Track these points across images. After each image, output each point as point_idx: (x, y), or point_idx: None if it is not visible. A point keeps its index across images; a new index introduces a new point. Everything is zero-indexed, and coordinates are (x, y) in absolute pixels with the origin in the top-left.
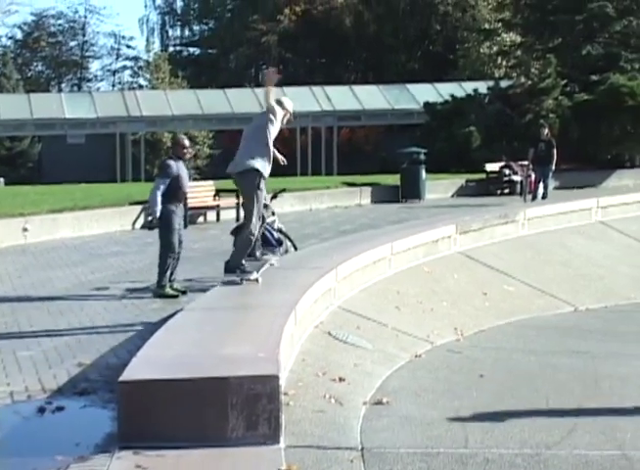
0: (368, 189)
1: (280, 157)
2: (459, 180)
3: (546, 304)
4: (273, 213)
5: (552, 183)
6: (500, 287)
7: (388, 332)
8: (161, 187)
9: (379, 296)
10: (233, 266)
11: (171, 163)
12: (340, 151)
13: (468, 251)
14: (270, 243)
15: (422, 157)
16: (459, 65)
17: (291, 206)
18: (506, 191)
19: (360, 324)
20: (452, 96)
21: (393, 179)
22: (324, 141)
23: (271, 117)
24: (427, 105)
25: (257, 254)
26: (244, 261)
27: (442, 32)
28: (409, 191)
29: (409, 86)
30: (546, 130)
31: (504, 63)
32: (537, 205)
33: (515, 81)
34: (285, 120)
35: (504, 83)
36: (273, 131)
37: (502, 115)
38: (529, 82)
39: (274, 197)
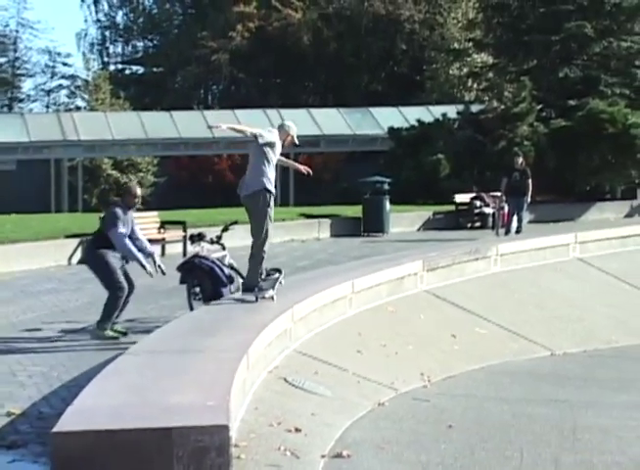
0: (327, 221)
1: (302, 168)
2: (426, 212)
3: (520, 347)
4: (224, 248)
5: (527, 216)
6: (470, 329)
7: (349, 378)
8: (121, 234)
9: (339, 338)
10: (251, 285)
11: (119, 212)
12: (296, 179)
13: (436, 289)
14: (220, 280)
15: (386, 187)
16: (426, 87)
17: (242, 239)
18: (477, 224)
19: (318, 369)
20: (419, 121)
21: (355, 211)
22: (279, 169)
23: (260, 141)
24: (391, 130)
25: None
26: (260, 280)
27: (408, 52)
28: (372, 224)
29: (372, 110)
30: (520, 159)
31: (475, 85)
32: (511, 240)
33: (486, 105)
34: (286, 143)
35: (475, 108)
36: (271, 154)
37: (473, 141)
38: (502, 107)
39: (225, 230)
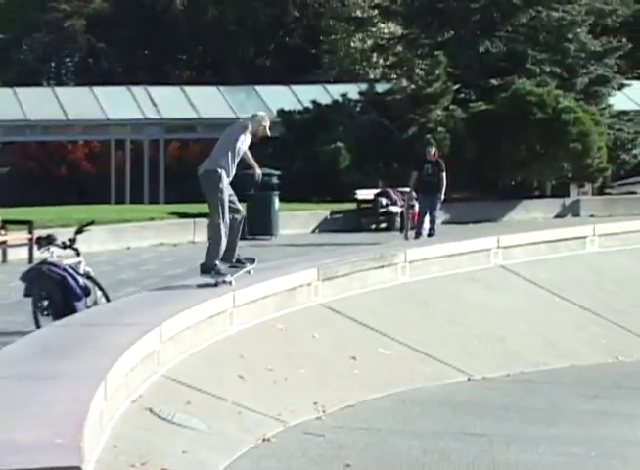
0: (204, 222)
1: (258, 171)
2: (323, 211)
3: (432, 371)
4: (78, 254)
5: (441, 216)
6: (374, 349)
7: (228, 408)
8: None
9: (216, 361)
10: (207, 268)
11: None
12: (168, 171)
13: (333, 302)
14: (73, 292)
15: (274, 180)
16: (323, 62)
17: (101, 243)
18: (382, 226)
19: (192, 398)
20: (314, 102)
21: None
22: (147, 158)
23: (240, 128)
24: (281, 113)
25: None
26: (218, 263)
27: (302, 20)
28: (258, 225)
29: (259, 88)
30: (433, 149)
31: (381, 61)
32: (422, 244)
33: (394, 85)
34: (259, 135)
35: (381, 87)
36: (238, 143)
37: (378, 127)
38: (413, 86)
39: (80, 231)
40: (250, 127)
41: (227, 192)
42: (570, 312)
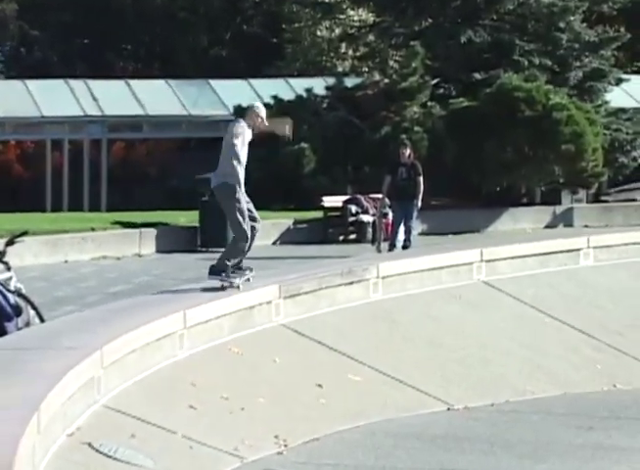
0: (152, 232)
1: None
2: (285, 221)
3: (407, 400)
4: (9, 268)
5: (417, 226)
6: (342, 376)
7: (179, 442)
8: None
9: (165, 389)
10: (218, 269)
11: None
12: (111, 175)
13: (296, 323)
14: (3, 311)
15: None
16: (286, 53)
17: (35, 256)
18: (352, 237)
19: (137, 431)
20: (276, 98)
21: (190, 218)
22: (87, 160)
23: (235, 127)
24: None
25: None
26: (229, 264)
27: (262, 6)
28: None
29: (213, 82)
30: (409, 150)
31: (350, 52)
32: (396, 257)
33: (365, 79)
34: (257, 127)
35: (350, 81)
36: (240, 145)
37: (347, 126)
38: (386, 81)
39: (10, 243)
40: (244, 124)
41: (244, 200)
42: (561, 333)
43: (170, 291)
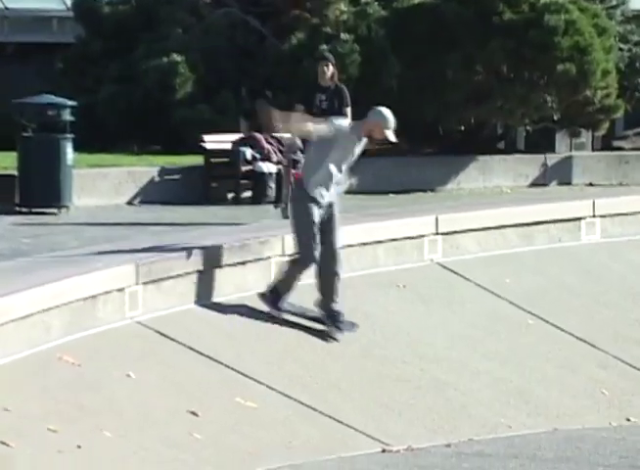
0: None
1: None
2: (147, 169)
3: (325, 436)
4: None
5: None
6: (228, 399)
7: None
8: None
9: None
10: (326, 308)
11: None
12: None
13: (162, 321)
14: None
15: (67, 116)
16: None
17: None
18: (246, 194)
19: None
20: None
21: (3, 163)
22: None
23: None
24: (80, 5)
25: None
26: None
27: None
28: (37, 190)
29: None
30: (331, 69)
31: None
32: None
33: None
34: (374, 138)
35: None
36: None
37: (241, 30)
38: None
39: None
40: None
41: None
42: (551, 342)
43: None
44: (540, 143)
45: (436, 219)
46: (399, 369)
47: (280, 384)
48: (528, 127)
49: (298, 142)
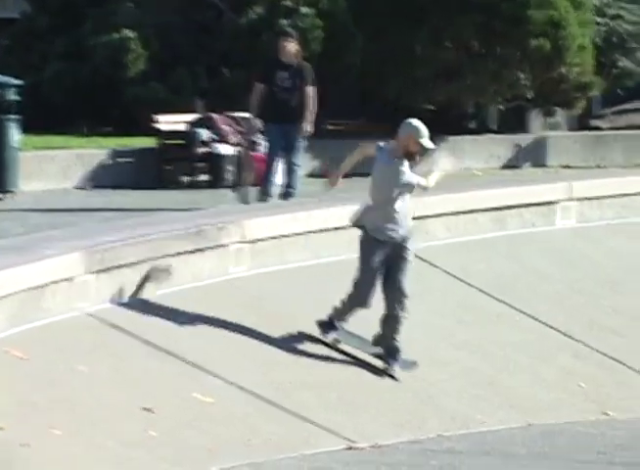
0: None
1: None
2: (97, 151)
3: (286, 434)
4: None
5: (297, 162)
6: (184, 394)
7: None
8: None
9: None
10: (389, 346)
11: None
12: None
13: (113, 312)
14: None
15: (12, 95)
16: None
17: None
18: (202, 178)
19: None
20: None
21: None
22: None
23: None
24: None
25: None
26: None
27: None
28: None
29: None
30: (292, 43)
31: None
32: (272, 211)
33: None
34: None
35: None
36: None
37: (196, 4)
38: None
39: None
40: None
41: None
42: (523, 331)
43: None
44: (513, 123)
45: None
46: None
47: (240, 379)
48: (501, 106)
49: (258, 123)
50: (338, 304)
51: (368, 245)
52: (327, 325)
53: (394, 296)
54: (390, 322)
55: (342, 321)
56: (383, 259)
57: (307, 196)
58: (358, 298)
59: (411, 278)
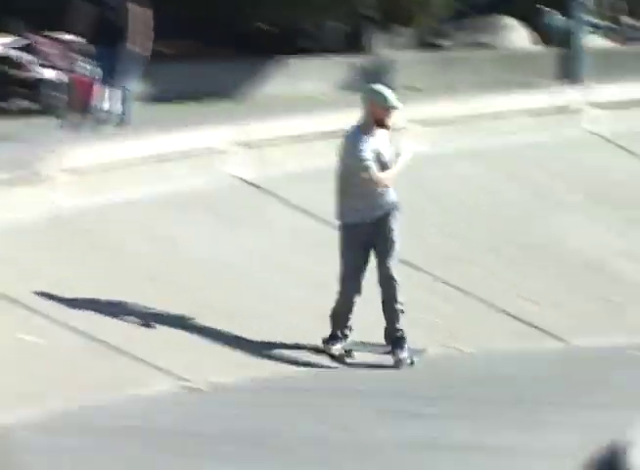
0: None
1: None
2: None
3: (119, 373)
4: None
5: (131, 87)
6: (9, 335)
7: None
8: None
9: None
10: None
11: None
12: None
13: None
14: None
15: None
16: None
17: None
18: (22, 104)
19: None
20: None
21: None
22: None
23: None
24: None
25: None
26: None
27: None
28: None
29: None
30: None
31: None
32: (98, 140)
33: None
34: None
35: None
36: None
37: None
38: None
39: None
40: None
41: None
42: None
43: None
44: (353, 42)
45: (240, 130)
46: (201, 296)
47: (69, 317)
48: (344, 26)
49: (84, 45)
50: (330, 312)
51: (346, 233)
52: (330, 338)
53: (385, 283)
54: (389, 313)
55: (344, 329)
56: (363, 247)
57: (137, 123)
58: (344, 294)
59: (248, 211)
